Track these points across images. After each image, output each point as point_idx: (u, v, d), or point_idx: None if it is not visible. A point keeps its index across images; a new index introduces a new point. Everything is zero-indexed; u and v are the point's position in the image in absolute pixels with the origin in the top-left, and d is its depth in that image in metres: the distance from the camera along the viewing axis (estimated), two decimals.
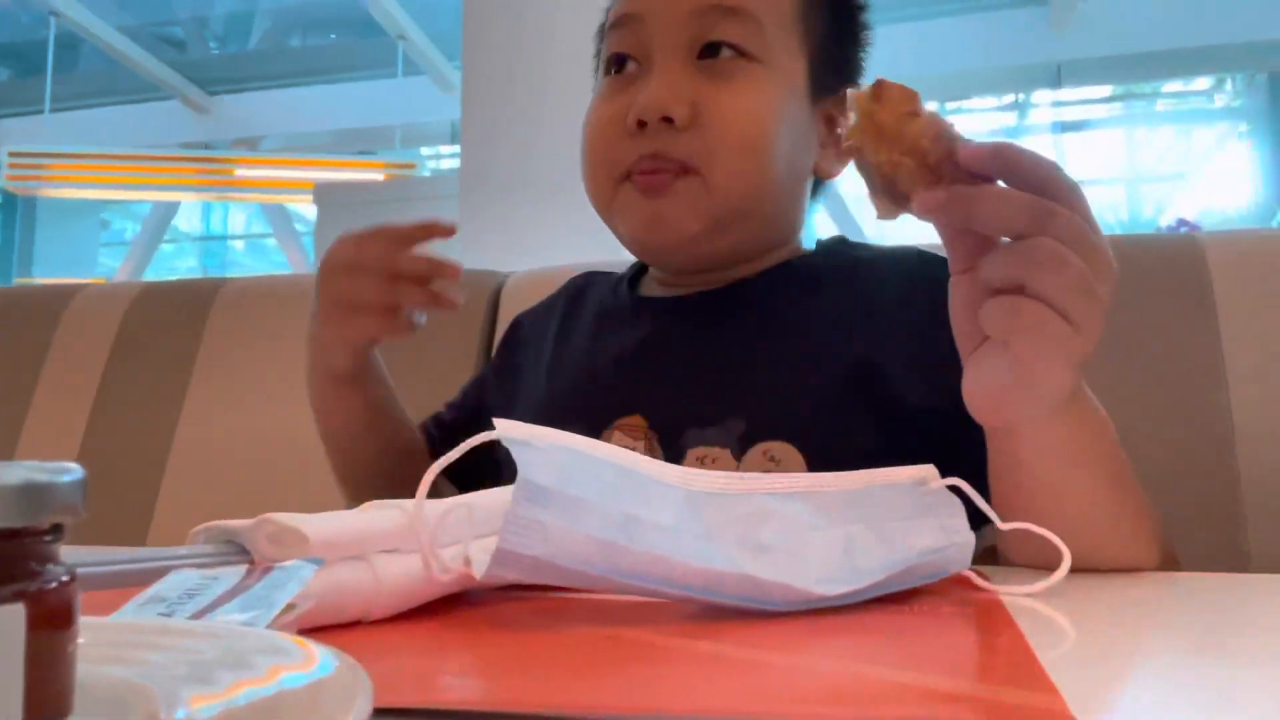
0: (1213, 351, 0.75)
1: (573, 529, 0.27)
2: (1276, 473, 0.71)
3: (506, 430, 0.29)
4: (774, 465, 0.52)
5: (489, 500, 0.33)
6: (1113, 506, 0.44)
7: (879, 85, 0.37)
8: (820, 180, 0.64)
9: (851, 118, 0.38)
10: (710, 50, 0.56)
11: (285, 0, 5.64)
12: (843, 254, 0.63)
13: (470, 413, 0.69)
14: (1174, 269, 0.79)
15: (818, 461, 0.51)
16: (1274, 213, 4.83)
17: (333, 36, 6.02)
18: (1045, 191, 0.36)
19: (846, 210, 4.94)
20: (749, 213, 0.57)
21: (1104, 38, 4.57)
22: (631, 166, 0.56)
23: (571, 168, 0.64)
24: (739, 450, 0.52)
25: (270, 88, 5.92)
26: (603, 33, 0.63)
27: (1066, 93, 5.32)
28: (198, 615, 0.23)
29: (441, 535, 0.30)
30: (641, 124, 0.55)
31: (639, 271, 0.68)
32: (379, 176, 4.88)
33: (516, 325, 0.72)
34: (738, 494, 0.32)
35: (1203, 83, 5.61)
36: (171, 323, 0.98)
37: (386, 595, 0.29)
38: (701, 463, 0.53)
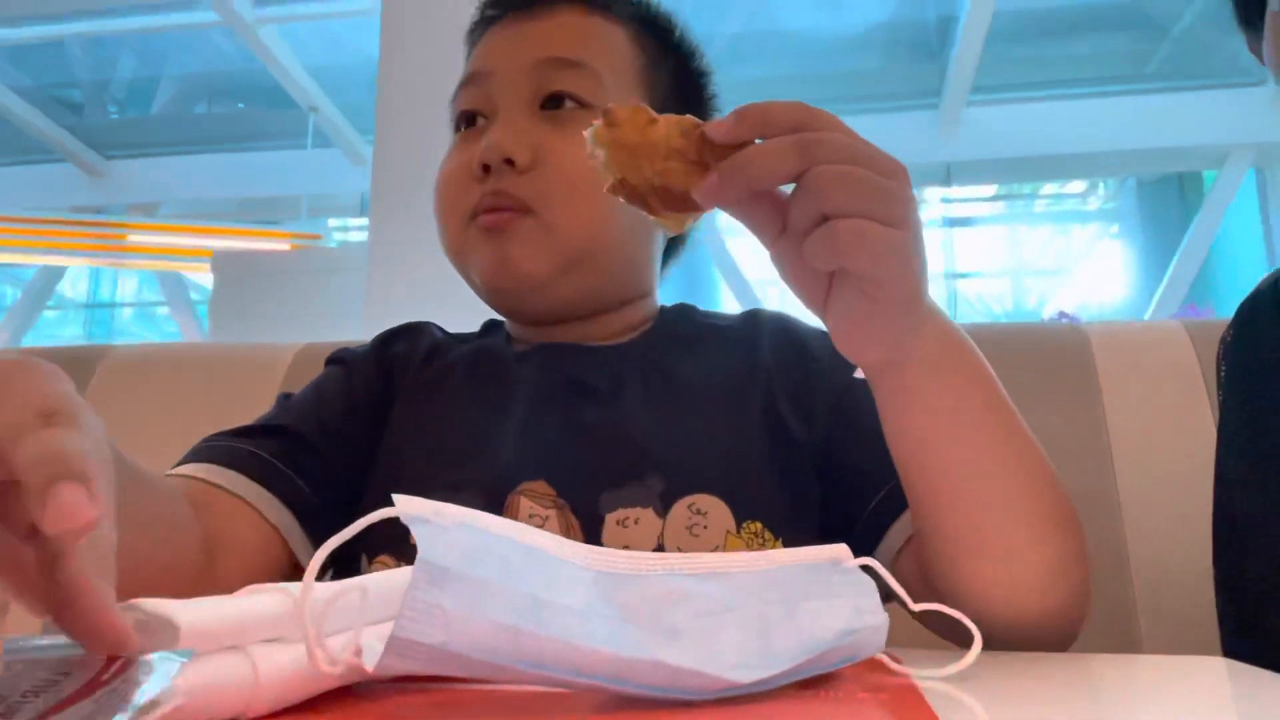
0: (1099, 437, 0.78)
1: (475, 614, 0.26)
2: (1163, 555, 0.74)
3: (407, 508, 0.27)
4: (700, 518, 0.51)
5: (384, 582, 0.31)
6: (1008, 449, 0.45)
7: (608, 113, 0.38)
8: (677, 238, 0.67)
9: (599, 156, 0.39)
10: (553, 101, 0.59)
11: (192, 68, 5.55)
12: (696, 319, 0.65)
13: (327, 434, 0.59)
14: (1061, 357, 0.83)
15: (742, 511, 0.51)
16: (1146, 307, 5.17)
17: (241, 106, 5.93)
18: (802, 128, 0.37)
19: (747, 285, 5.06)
20: (593, 255, 0.58)
21: (988, 142, 4.89)
22: (476, 206, 0.57)
23: None
24: (662, 508, 0.51)
25: (171, 153, 5.77)
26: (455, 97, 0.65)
27: (955, 190, 5.63)
28: (42, 718, 0.20)
29: (330, 622, 0.28)
30: (486, 168, 0.56)
31: (489, 332, 0.67)
32: (284, 246, 4.77)
33: (389, 350, 0.66)
34: (649, 574, 0.30)
35: (1078, 186, 6.02)
36: None
37: (266, 690, 0.26)
38: (623, 525, 0.51)
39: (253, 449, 0.55)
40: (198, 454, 0.55)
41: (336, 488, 0.57)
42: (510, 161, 0.56)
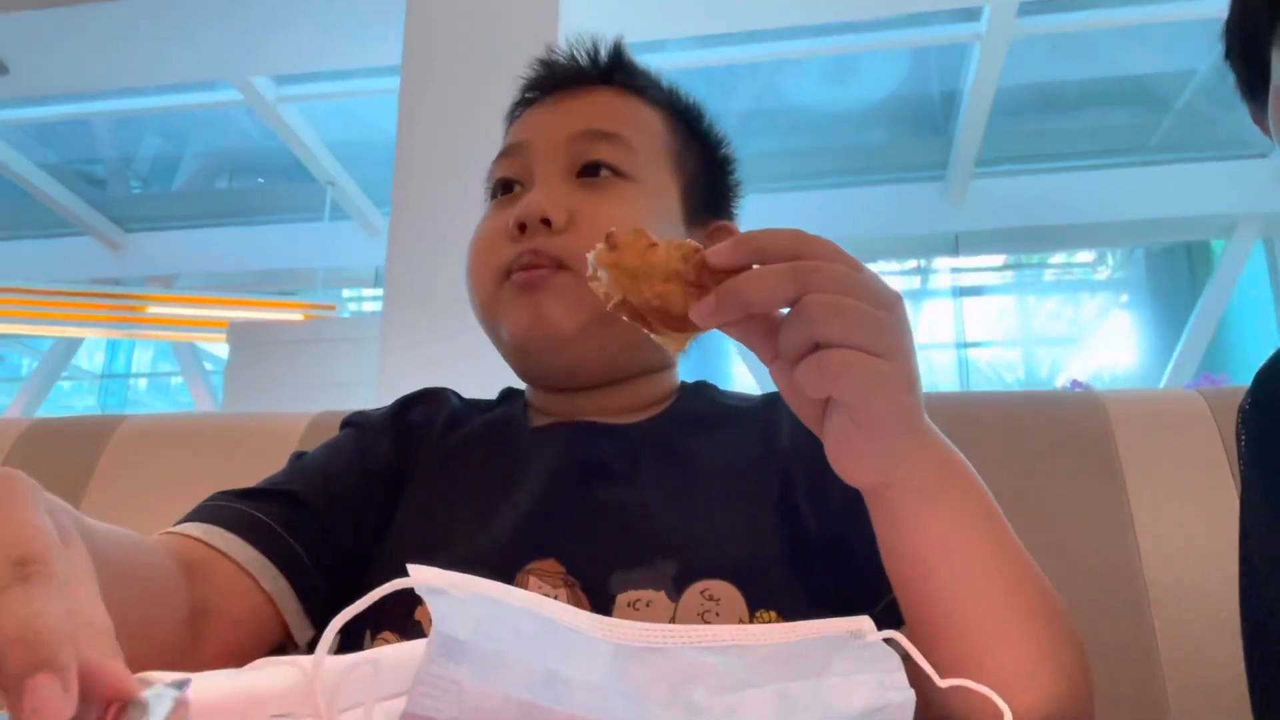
0: (1120, 509, 0.77)
1: (491, 689, 0.25)
2: (1192, 635, 0.72)
3: (422, 578, 0.26)
4: (713, 604, 0.50)
5: (397, 656, 0.30)
6: (1002, 563, 0.44)
7: (609, 236, 0.39)
8: None
9: (601, 276, 0.39)
10: (589, 170, 0.61)
11: (214, 144, 5.69)
12: (716, 400, 0.66)
13: (338, 502, 0.58)
14: (1078, 426, 0.82)
15: (755, 599, 0.50)
16: (1158, 376, 5.14)
17: (260, 181, 6.06)
18: (799, 256, 0.38)
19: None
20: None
21: (995, 212, 4.94)
22: (511, 263, 0.59)
23: None
24: (675, 591, 0.51)
25: (190, 227, 5.88)
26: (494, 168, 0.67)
27: (964, 260, 5.67)
28: None
29: (342, 697, 0.27)
30: (522, 228, 0.58)
31: (506, 400, 0.67)
32: (297, 316, 4.82)
33: (407, 417, 0.66)
34: (665, 646, 0.30)
35: (1086, 255, 6.06)
36: (59, 462, 0.92)
37: None
38: (634, 607, 0.50)
39: (256, 513, 0.54)
40: (200, 513, 0.55)
41: (337, 557, 0.56)
42: (547, 222, 0.58)
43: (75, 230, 5.79)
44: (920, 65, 4.51)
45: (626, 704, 0.27)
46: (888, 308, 0.39)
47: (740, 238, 0.38)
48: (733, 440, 0.60)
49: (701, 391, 0.66)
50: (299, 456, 0.63)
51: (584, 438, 0.59)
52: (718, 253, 0.38)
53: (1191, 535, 0.75)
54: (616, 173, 0.61)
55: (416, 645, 0.26)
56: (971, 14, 3.75)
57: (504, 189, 0.64)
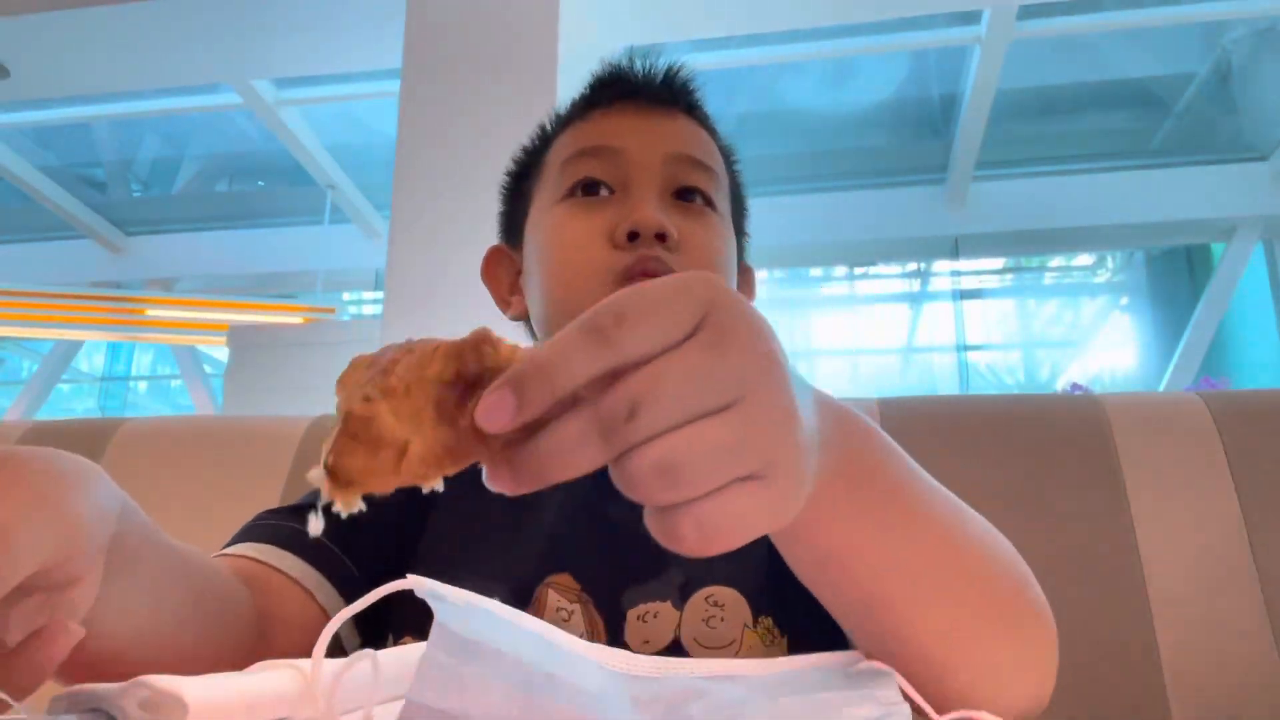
0: (1121, 512, 0.77)
1: (492, 679, 0.25)
2: (1190, 625, 0.72)
3: (421, 584, 0.27)
4: (718, 610, 0.51)
5: (395, 658, 0.30)
6: (945, 566, 0.37)
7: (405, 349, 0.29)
8: None
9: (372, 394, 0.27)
10: (684, 194, 0.63)
11: (214, 147, 5.69)
12: None
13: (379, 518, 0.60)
14: (1078, 429, 0.82)
15: (758, 603, 0.51)
16: (1158, 379, 5.14)
17: (261, 184, 6.06)
18: (599, 367, 0.27)
19: None
20: None
21: (995, 216, 4.94)
22: (630, 269, 0.59)
23: (491, 317, 0.65)
24: (680, 600, 0.51)
25: (190, 230, 5.88)
26: (531, 163, 0.69)
27: (964, 263, 5.67)
28: None
29: (341, 699, 0.27)
30: (633, 236, 0.59)
31: None
32: (297, 320, 4.82)
33: None
34: (665, 676, 0.30)
35: (1086, 259, 6.06)
36: None
37: None
38: (643, 620, 0.51)
39: (303, 528, 0.56)
40: (249, 533, 0.56)
41: (384, 566, 0.57)
42: (662, 236, 0.59)
43: (75, 233, 5.79)
44: (920, 68, 4.51)
45: (623, 712, 0.27)
46: (754, 379, 0.28)
47: (519, 378, 0.26)
48: None
49: None
50: None
51: None
52: (491, 416, 0.26)
53: (1191, 536, 0.75)
54: (708, 202, 0.64)
55: (414, 649, 0.26)
56: (971, 17, 3.76)
57: (588, 188, 0.64)
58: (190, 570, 0.46)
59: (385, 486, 0.26)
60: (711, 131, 0.70)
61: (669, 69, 0.69)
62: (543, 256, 0.63)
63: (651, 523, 0.28)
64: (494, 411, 0.26)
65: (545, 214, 0.65)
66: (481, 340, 0.28)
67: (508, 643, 0.26)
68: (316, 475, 0.27)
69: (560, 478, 0.27)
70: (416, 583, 0.27)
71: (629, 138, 0.64)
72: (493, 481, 0.28)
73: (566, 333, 0.27)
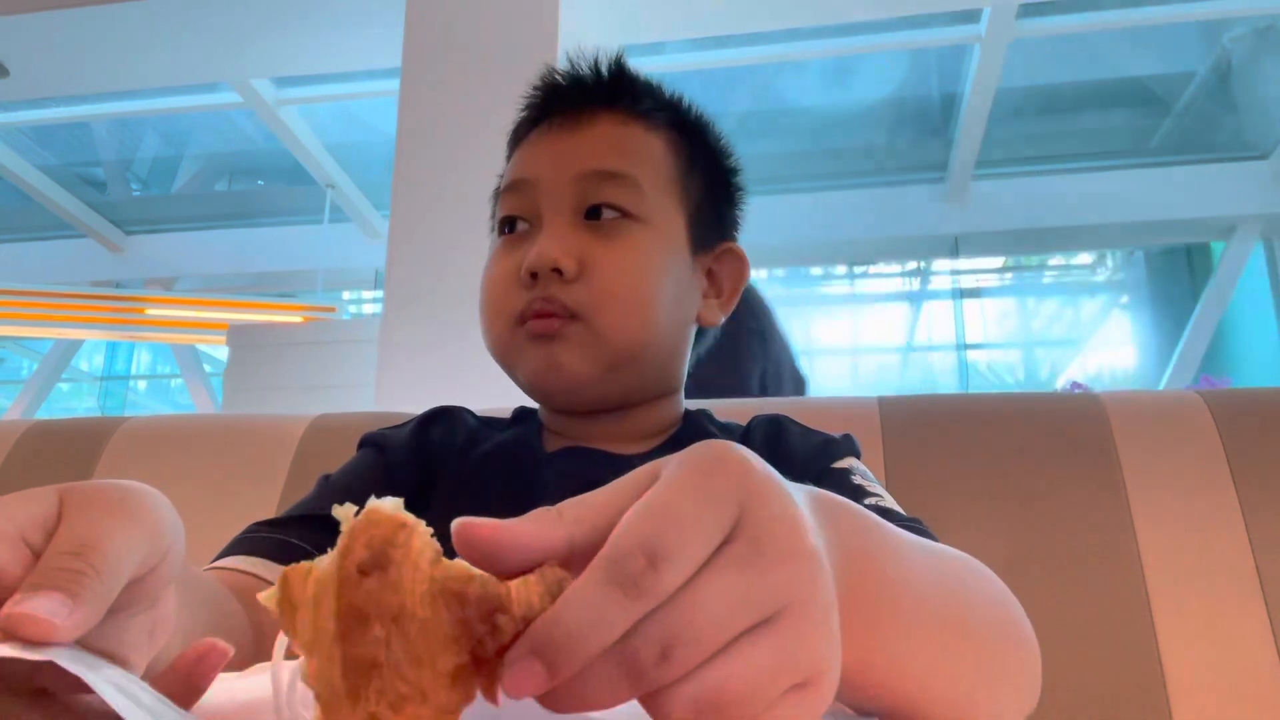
0: (1119, 507, 0.77)
1: None
2: (1190, 624, 0.72)
3: None
4: None
5: None
6: (965, 660, 0.36)
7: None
8: (702, 328, 0.69)
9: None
10: (595, 211, 0.61)
11: (213, 147, 5.69)
12: (710, 432, 0.67)
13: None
14: (1078, 427, 0.82)
15: None
16: (1158, 377, 5.14)
17: (260, 183, 6.06)
18: (639, 612, 0.24)
19: None
20: (637, 358, 0.61)
21: (995, 214, 4.94)
22: (525, 310, 0.60)
23: None
24: None
25: (189, 229, 5.88)
26: (497, 196, 0.68)
27: (964, 262, 5.67)
28: None
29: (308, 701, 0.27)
30: (534, 275, 0.59)
31: (524, 419, 0.68)
32: (297, 319, 4.82)
33: (426, 438, 0.66)
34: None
35: (1086, 258, 6.06)
36: (59, 463, 0.92)
37: None
38: None
39: (292, 540, 0.56)
40: (239, 545, 0.57)
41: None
42: (558, 271, 0.59)
43: (75, 232, 5.79)
44: (920, 67, 4.51)
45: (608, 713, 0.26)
46: (798, 587, 0.25)
47: (542, 645, 0.23)
48: None
49: (698, 421, 0.67)
50: (326, 479, 0.64)
51: (593, 468, 0.60)
52: (520, 687, 0.23)
53: (1191, 535, 0.74)
54: (624, 214, 0.61)
55: None
56: (971, 16, 3.75)
57: (509, 225, 0.64)
58: (201, 587, 0.47)
59: None
60: (645, 114, 0.65)
61: (594, 61, 0.66)
62: (480, 299, 0.64)
63: None
64: (523, 683, 0.23)
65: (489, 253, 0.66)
66: (492, 613, 0.24)
67: None
68: None
69: (595, 709, 0.24)
70: None
71: (541, 165, 0.63)
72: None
73: (594, 584, 0.24)
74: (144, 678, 0.29)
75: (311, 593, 0.23)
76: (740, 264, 0.68)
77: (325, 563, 0.23)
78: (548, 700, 0.24)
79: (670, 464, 0.26)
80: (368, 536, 0.23)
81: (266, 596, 0.23)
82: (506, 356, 0.62)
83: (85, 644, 0.28)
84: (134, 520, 0.30)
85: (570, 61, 0.67)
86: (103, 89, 4.32)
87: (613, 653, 0.23)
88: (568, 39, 2.41)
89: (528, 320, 0.59)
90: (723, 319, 0.67)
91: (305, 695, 0.28)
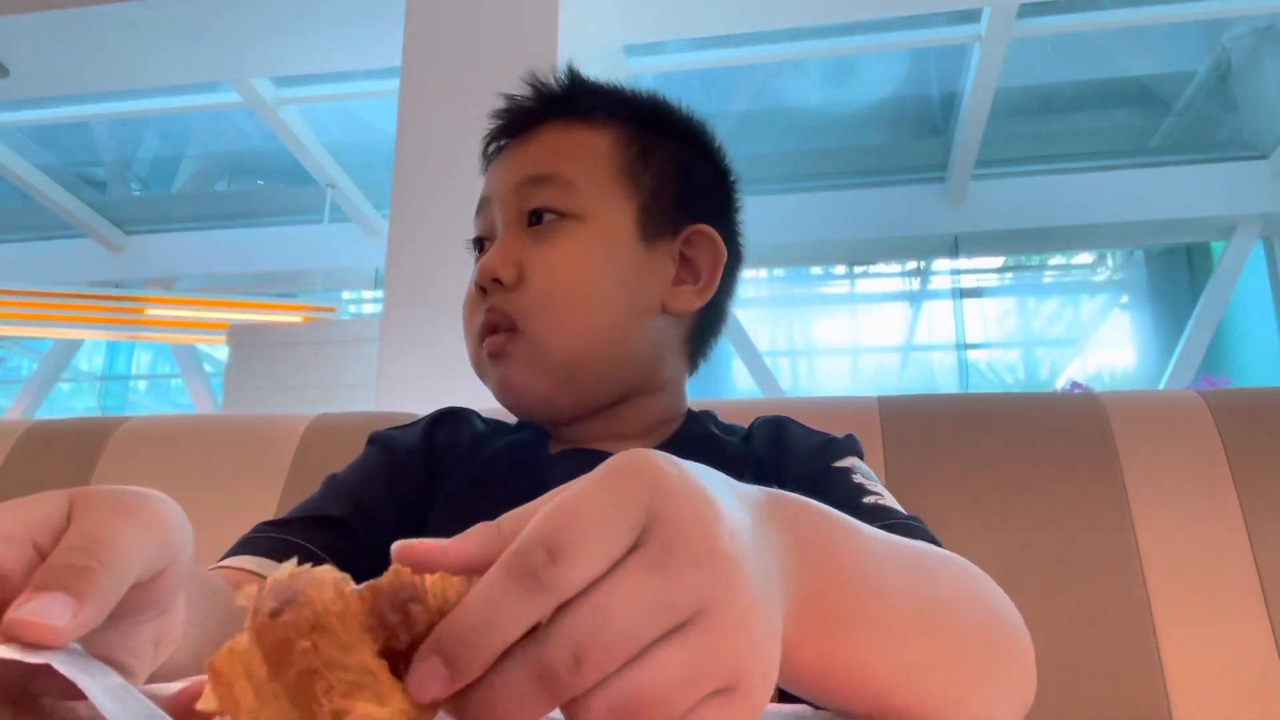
0: (1119, 507, 0.77)
1: None
2: (1190, 624, 0.72)
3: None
4: None
5: None
6: (943, 660, 0.35)
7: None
8: (710, 314, 0.67)
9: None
10: (536, 217, 0.62)
11: (213, 146, 5.69)
12: (710, 432, 0.66)
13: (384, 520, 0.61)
14: (1078, 428, 0.82)
15: None
16: (1158, 377, 5.14)
17: (260, 183, 6.06)
18: (538, 608, 0.24)
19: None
20: (584, 366, 0.60)
21: (995, 214, 4.94)
22: (482, 326, 0.62)
23: None
24: None
25: (189, 229, 5.88)
26: None
27: (964, 262, 5.67)
28: None
29: None
30: (484, 289, 0.61)
31: (526, 424, 0.69)
32: (297, 319, 4.82)
33: (433, 440, 0.67)
34: None
35: (1086, 257, 6.06)
36: (59, 463, 0.92)
37: None
38: None
39: (299, 541, 0.56)
40: (245, 545, 0.57)
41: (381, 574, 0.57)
42: (499, 280, 0.60)
43: (75, 232, 5.79)
44: (919, 67, 4.51)
45: None
46: (712, 589, 0.25)
47: (443, 643, 0.23)
48: (746, 472, 0.60)
49: (700, 424, 0.67)
50: (333, 477, 0.64)
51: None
52: (424, 688, 0.23)
53: (1191, 535, 0.75)
54: (561, 214, 0.61)
55: None
56: (971, 15, 3.75)
57: (478, 245, 0.67)
58: (209, 594, 0.46)
59: None
60: (588, 113, 0.65)
61: (545, 81, 0.67)
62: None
63: None
64: (427, 683, 0.23)
65: None
66: (406, 602, 0.23)
67: None
68: None
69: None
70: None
71: (494, 183, 0.65)
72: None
73: (495, 579, 0.23)
74: (148, 685, 0.29)
75: (239, 662, 0.23)
76: (714, 246, 0.65)
77: (240, 635, 0.23)
78: (464, 709, 0.23)
79: (594, 470, 0.26)
80: (272, 589, 0.23)
81: (204, 701, 0.23)
82: (479, 375, 0.64)
83: (89, 649, 0.28)
84: (144, 521, 0.30)
85: (528, 80, 0.68)
86: (103, 89, 4.32)
87: (525, 661, 0.23)
88: (567, 38, 2.41)
89: (484, 334, 0.61)
90: (699, 304, 0.64)
91: None
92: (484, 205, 0.65)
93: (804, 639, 0.29)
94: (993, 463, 0.81)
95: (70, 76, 3.94)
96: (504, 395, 0.62)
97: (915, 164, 5.06)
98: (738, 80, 4.63)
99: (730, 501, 0.27)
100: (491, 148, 0.69)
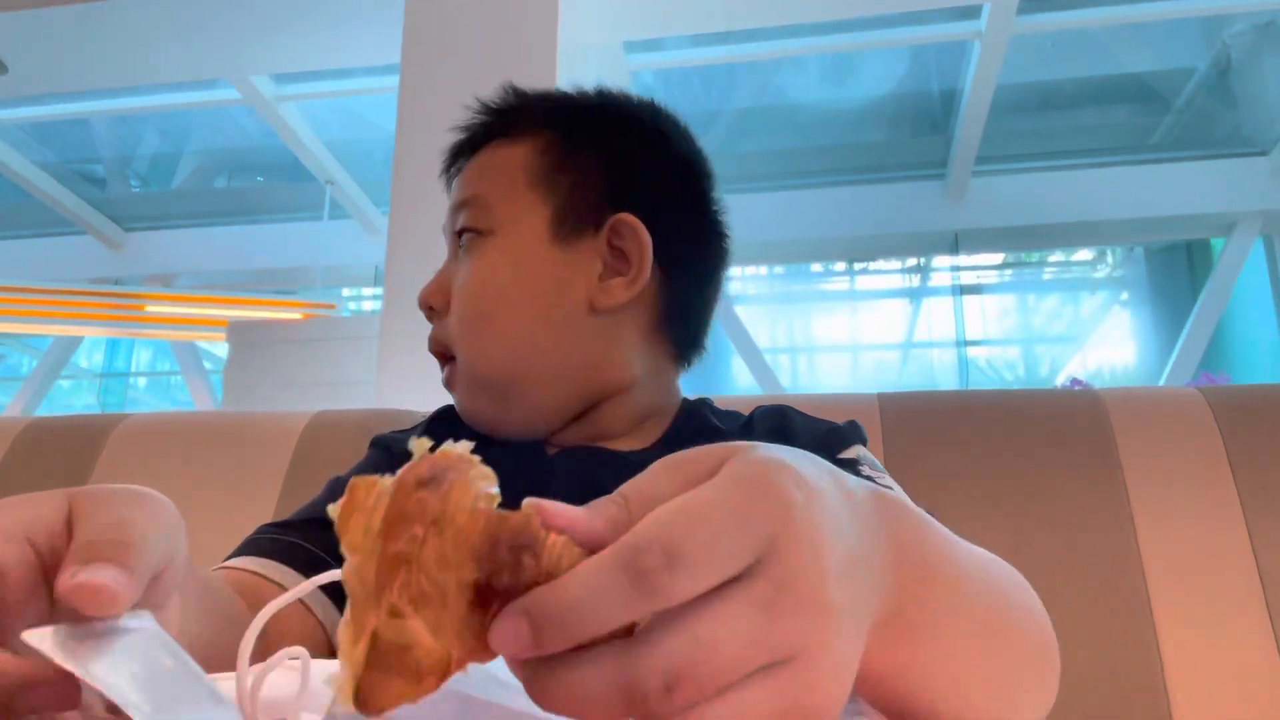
0: (1119, 505, 0.77)
1: None
2: (1190, 622, 0.72)
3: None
4: None
5: (328, 666, 0.29)
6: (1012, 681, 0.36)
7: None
8: (667, 320, 0.65)
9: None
10: (461, 238, 0.63)
11: (213, 143, 5.69)
12: (708, 423, 0.64)
13: None
14: (1078, 424, 0.82)
15: None
16: (1158, 374, 5.14)
17: (260, 179, 6.06)
18: (642, 610, 0.23)
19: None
20: (518, 380, 0.60)
21: (995, 211, 4.94)
22: (437, 358, 0.64)
23: None
24: None
25: (189, 226, 5.88)
26: None
27: (964, 258, 5.67)
28: None
29: (270, 708, 0.27)
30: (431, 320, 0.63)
31: None
32: (297, 315, 4.82)
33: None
34: None
35: (1086, 254, 6.06)
36: (58, 460, 0.92)
37: None
38: None
39: (300, 542, 0.56)
40: (248, 546, 0.57)
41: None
42: (434, 309, 0.62)
43: (74, 229, 5.79)
44: (920, 63, 4.51)
45: None
46: (814, 638, 0.24)
47: (535, 609, 0.23)
48: None
49: (697, 414, 0.65)
50: (335, 480, 0.65)
51: (599, 467, 0.59)
52: (503, 643, 0.23)
53: (1191, 532, 0.75)
54: (478, 233, 0.62)
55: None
56: (971, 12, 3.75)
57: None
58: (208, 590, 0.46)
59: (427, 694, 0.23)
60: (507, 129, 0.64)
61: (485, 107, 0.67)
62: None
63: None
64: (507, 639, 0.23)
65: None
66: (521, 549, 0.23)
67: None
68: (335, 686, 0.23)
69: (572, 716, 0.24)
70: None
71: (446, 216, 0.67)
72: (497, 632, 0.23)
73: (605, 566, 0.23)
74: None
75: (371, 500, 0.23)
76: (636, 233, 0.61)
77: (389, 478, 0.24)
78: (538, 687, 0.23)
79: (725, 470, 0.26)
80: (433, 460, 0.24)
81: (334, 507, 0.24)
82: None
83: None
84: (151, 514, 0.30)
85: (473, 107, 0.67)
86: (102, 86, 4.32)
87: (616, 667, 0.23)
88: (567, 35, 2.40)
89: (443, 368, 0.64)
90: (628, 296, 0.61)
91: (270, 699, 0.28)
92: (444, 233, 0.67)
93: (875, 646, 0.29)
94: (992, 460, 0.81)
95: (70, 73, 3.94)
96: (466, 420, 0.63)
97: (915, 161, 5.06)
98: (737, 77, 4.63)
99: (843, 525, 0.27)
100: (446, 181, 0.70)
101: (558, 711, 0.23)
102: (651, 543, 0.23)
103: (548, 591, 0.23)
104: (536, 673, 0.23)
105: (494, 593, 0.23)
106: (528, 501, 0.25)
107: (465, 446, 0.25)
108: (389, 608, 0.22)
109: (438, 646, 0.23)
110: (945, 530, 0.34)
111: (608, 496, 0.26)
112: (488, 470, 0.25)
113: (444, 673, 0.23)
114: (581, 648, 0.23)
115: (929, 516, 0.33)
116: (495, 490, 0.24)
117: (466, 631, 0.23)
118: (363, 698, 0.22)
